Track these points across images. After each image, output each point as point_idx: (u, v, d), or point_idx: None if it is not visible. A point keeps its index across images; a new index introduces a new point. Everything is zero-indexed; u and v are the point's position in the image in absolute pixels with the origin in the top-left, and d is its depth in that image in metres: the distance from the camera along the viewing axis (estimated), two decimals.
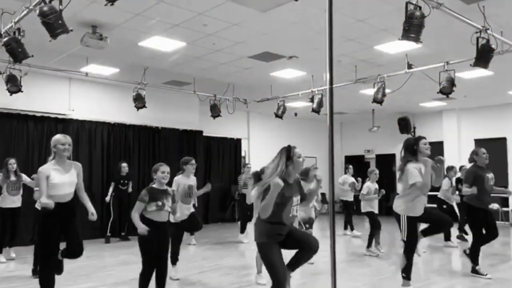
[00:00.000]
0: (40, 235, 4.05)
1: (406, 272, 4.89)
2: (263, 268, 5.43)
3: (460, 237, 8.92)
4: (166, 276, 4.46)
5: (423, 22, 4.68)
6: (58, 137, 4.20)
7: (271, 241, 3.45)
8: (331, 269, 2.76)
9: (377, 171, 7.76)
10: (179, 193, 5.60)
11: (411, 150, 4.80)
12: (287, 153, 3.54)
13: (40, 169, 4.11)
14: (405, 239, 4.81)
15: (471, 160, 5.90)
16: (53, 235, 4.10)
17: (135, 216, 4.23)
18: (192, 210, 5.95)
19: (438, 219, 5.07)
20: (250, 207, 9.13)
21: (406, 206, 4.79)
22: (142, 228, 4.15)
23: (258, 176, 5.62)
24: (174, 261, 5.88)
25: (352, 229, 10.03)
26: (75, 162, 4.33)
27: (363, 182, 8.11)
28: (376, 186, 7.63)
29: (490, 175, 5.78)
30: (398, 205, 4.89)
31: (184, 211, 5.78)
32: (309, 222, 6.10)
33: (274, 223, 3.45)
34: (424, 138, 4.88)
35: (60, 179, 4.07)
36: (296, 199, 3.60)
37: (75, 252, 4.21)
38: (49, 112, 9.13)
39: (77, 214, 4.30)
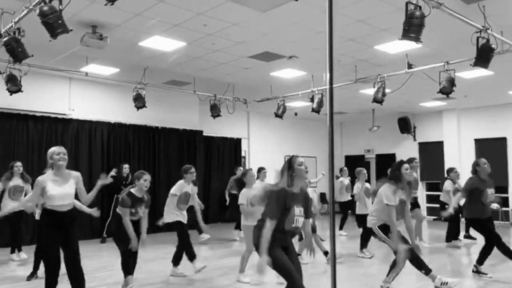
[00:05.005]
0: (42, 247, 4.12)
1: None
2: (247, 268, 5.60)
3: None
4: (136, 262, 5.16)
5: (423, 22, 4.68)
6: (52, 149, 4.24)
7: (274, 245, 3.39)
8: (331, 269, 2.75)
9: (365, 171, 7.90)
10: (181, 199, 5.89)
11: (394, 174, 4.73)
12: (289, 163, 3.58)
13: (39, 178, 4.14)
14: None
15: (473, 172, 5.81)
16: (54, 247, 4.11)
17: (128, 223, 4.75)
18: (185, 216, 5.98)
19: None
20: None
21: (378, 219, 4.79)
22: (133, 240, 4.78)
23: (240, 182, 5.81)
24: (176, 262, 5.97)
25: (340, 228, 10.01)
26: (73, 171, 4.33)
27: (352, 183, 8.15)
28: (366, 185, 7.69)
29: (490, 191, 5.73)
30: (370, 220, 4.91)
31: (172, 215, 5.86)
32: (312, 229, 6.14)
33: (276, 230, 3.40)
34: (406, 163, 4.79)
35: (57, 191, 4.08)
36: (299, 209, 3.50)
37: (75, 278, 4.17)
38: (49, 112, 9.13)
39: (76, 219, 4.37)
